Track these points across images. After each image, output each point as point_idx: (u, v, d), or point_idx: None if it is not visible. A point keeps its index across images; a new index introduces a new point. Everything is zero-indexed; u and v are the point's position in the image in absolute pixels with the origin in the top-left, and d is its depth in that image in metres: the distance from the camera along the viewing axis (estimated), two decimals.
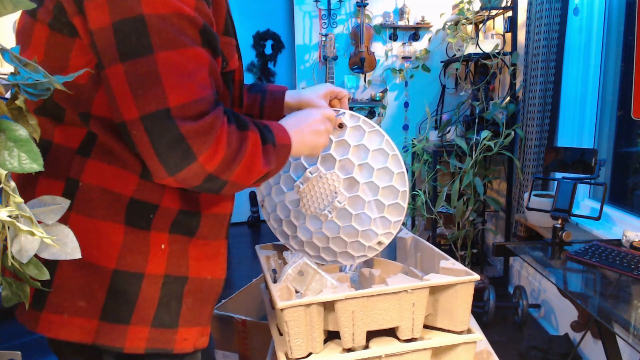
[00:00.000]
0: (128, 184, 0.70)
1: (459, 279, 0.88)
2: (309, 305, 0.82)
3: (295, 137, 0.82)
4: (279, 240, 1.11)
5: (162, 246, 0.74)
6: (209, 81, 0.65)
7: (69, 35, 0.64)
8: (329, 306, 0.85)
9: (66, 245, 0.39)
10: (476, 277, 0.88)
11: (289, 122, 0.84)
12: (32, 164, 0.39)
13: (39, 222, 0.41)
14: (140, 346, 0.73)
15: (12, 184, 0.39)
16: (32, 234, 0.36)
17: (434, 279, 0.88)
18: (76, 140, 0.69)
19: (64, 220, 0.57)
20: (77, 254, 0.40)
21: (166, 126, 0.61)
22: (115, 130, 0.68)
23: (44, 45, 0.66)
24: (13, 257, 0.37)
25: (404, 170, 0.96)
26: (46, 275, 0.41)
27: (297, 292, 0.94)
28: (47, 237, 0.38)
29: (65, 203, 0.41)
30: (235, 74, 0.82)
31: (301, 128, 0.84)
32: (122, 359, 0.74)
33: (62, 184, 0.69)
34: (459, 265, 0.92)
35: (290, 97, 1.02)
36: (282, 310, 0.82)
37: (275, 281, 1.00)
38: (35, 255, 0.40)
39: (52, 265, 0.67)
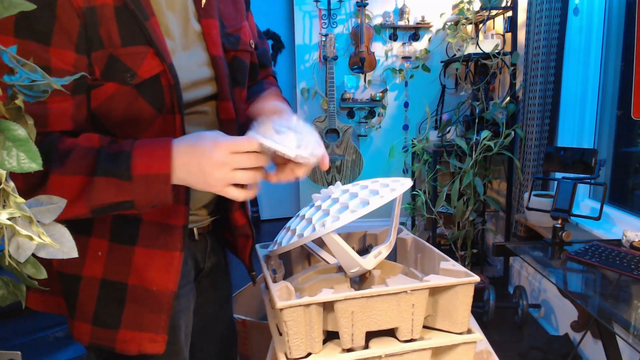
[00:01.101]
0: None
1: (458, 280, 0.88)
2: (308, 305, 0.82)
3: (180, 170, 0.70)
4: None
5: (99, 253, 0.79)
6: None
7: None
8: (328, 306, 0.85)
9: (63, 245, 0.39)
10: (476, 278, 0.88)
11: (181, 148, 0.70)
12: (31, 163, 0.39)
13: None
14: (84, 340, 0.82)
15: (12, 184, 0.38)
16: (31, 238, 0.36)
17: (434, 280, 0.88)
18: None
19: None
20: (74, 253, 0.40)
21: None
22: None
23: None
24: (10, 256, 0.37)
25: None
26: (44, 274, 0.41)
27: (296, 291, 0.93)
28: (47, 239, 0.38)
29: (62, 202, 0.41)
30: (162, 79, 0.75)
31: (190, 165, 0.70)
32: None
33: None
34: (459, 267, 0.92)
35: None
36: (281, 310, 0.81)
37: (275, 281, 1.00)
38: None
39: None
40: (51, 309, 0.85)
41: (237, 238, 1.02)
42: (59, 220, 0.70)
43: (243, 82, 0.92)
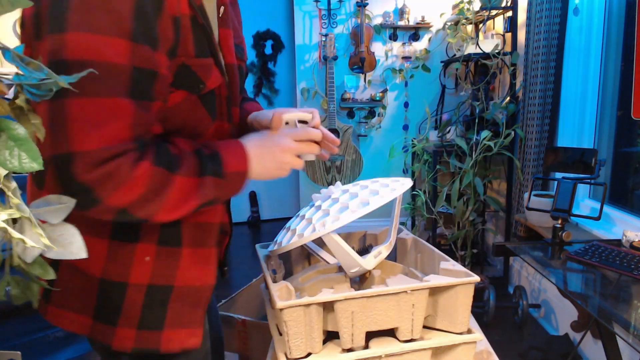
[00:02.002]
0: None
1: (458, 280, 0.88)
2: (308, 305, 0.82)
3: (255, 164, 0.81)
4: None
5: (147, 258, 0.79)
6: (121, 132, 0.64)
7: None
8: (328, 306, 0.85)
9: (72, 245, 0.39)
10: (476, 278, 0.88)
11: (252, 146, 0.81)
12: (32, 163, 0.39)
13: (43, 222, 0.40)
14: (127, 345, 0.80)
15: (13, 184, 0.39)
16: (24, 242, 0.36)
17: (434, 280, 0.88)
18: None
19: None
20: (84, 254, 0.40)
21: (66, 170, 0.62)
22: None
23: None
24: (19, 257, 0.37)
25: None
26: (51, 275, 0.41)
27: (296, 291, 0.94)
28: (46, 240, 0.38)
29: (71, 202, 0.41)
30: (222, 89, 0.81)
31: (263, 157, 0.81)
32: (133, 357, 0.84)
33: None
34: (459, 267, 0.92)
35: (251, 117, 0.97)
36: (281, 310, 0.81)
37: (275, 281, 1.00)
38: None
39: (54, 265, 0.73)
40: (72, 327, 0.82)
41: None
42: (174, 217, 0.72)
43: (243, 89, 0.99)
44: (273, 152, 0.81)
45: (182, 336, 0.84)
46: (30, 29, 0.65)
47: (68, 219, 0.65)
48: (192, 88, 0.75)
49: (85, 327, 0.81)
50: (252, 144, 0.81)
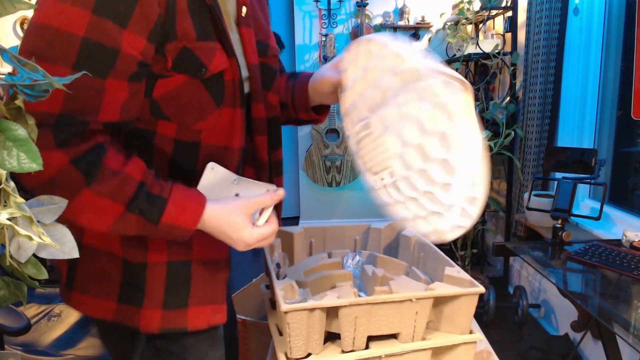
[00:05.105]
0: None
1: (464, 290, 0.87)
2: (312, 309, 0.82)
3: (208, 228, 0.76)
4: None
5: None
6: (47, 101, 0.52)
7: None
8: (331, 309, 0.85)
9: (64, 245, 0.39)
10: (481, 289, 0.87)
11: (211, 214, 0.75)
12: (31, 163, 0.38)
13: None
14: (154, 326, 0.79)
15: (12, 184, 0.38)
16: (30, 238, 0.36)
17: (439, 289, 0.87)
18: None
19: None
20: (75, 254, 0.40)
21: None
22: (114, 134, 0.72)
23: None
24: (11, 257, 0.37)
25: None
26: (45, 275, 0.41)
27: (299, 286, 0.93)
28: (48, 239, 0.38)
29: (63, 203, 0.41)
30: (226, 74, 0.78)
31: (218, 231, 0.77)
32: (151, 338, 0.83)
33: None
34: (463, 274, 0.92)
35: (312, 79, 0.98)
36: (285, 312, 0.81)
37: (279, 276, 1.00)
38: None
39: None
40: (96, 314, 0.81)
41: None
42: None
43: (270, 85, 0.94)
44: (227, 240, 0.78)
45: (208, 313, 0.83)
46: None
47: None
48: (193, 72, 0.73)
49: (109, 312, 0.80)
50: (214, 218, 0.75)
